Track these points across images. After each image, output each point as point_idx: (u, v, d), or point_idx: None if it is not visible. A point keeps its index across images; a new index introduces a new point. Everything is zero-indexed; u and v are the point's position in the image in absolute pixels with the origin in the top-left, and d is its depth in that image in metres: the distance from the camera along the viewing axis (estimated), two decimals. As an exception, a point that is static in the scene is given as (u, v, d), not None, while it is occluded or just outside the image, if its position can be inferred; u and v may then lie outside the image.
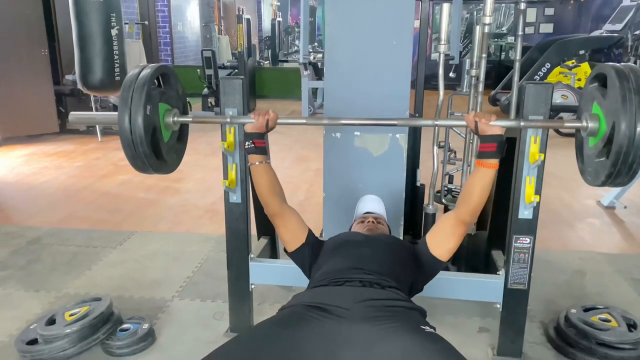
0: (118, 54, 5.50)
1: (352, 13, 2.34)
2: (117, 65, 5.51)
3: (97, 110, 6.29)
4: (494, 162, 1.63)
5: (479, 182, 1.64)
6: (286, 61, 11.35)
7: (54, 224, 3.68)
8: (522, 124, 1.73)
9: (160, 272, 2.94)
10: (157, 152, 1.74)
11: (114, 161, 5.42)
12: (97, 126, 6.29)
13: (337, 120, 1.90)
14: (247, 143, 1.80)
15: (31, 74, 6.08)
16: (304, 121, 1.86)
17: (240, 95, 2.02)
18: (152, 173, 1.80)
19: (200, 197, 4.24)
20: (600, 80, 1.57)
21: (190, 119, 1.90)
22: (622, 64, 1.50)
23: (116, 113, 1.67)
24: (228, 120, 1.92)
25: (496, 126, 1.62)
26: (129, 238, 3.41)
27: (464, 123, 1.73)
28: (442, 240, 1.72)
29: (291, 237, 1.83)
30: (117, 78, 5.58)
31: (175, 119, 1.83)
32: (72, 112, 1.89)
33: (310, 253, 1.82)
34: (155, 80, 1.79)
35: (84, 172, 5.04)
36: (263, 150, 1.81)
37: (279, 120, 1.85)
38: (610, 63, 1.52)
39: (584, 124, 1.56)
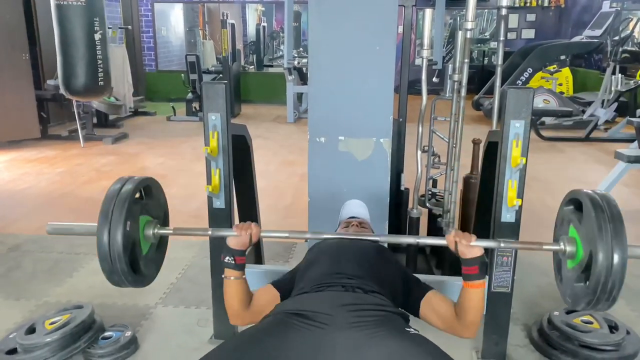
0: (101, 59, 5.45)
1: (335, 18, 2.35)
2: (100, 69, 5.46)
3: (79, 115, 6.22)
4: (480, 282, 1.61)
5: (470, 302, 1.61)
6: (271, 66, 11.34)
7: (35, 230, 3.62)
8: (501, 245, 1.67)
9: (144, 279, 2.90)
10: (134, 267, 1.67)
11: (97, 167, 5.36)
12: (79, 132, 6.22)
13: (319, 235, 1.79)
14: (227, 258, 1.70)
15: (12, 79, 5.99)
16: (287, 235, 1.78)
17: (223, 100, 2.01)
18: (127, 287, 1.71)
19: (184, 202, 4.21)
20: (575, 203, 1.58)
21: (171, 232, 1.77)
22: (596, 192, 1.50)
23: (95, 224, 1.61)
24: (209, 233, 1.80)
25: (476, 247, 1.60)
26: (111, 244, 3.36)
27: (444, 242, 1.66)
28: (433, 317, 1.69)
29: (270, 309, 1.66)
30: (101, 83, 5.53)
31: (155, 231, 1.73)
32: (49, 223, 1.77)
33: (290, 286, 1.76)
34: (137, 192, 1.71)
35: (66, 178, 4.97)
36: (242, 267, 1.72)
37: (261, 234, 1.74)
38: (585, 191, 1.52)
39: (562, 247, 1.56)
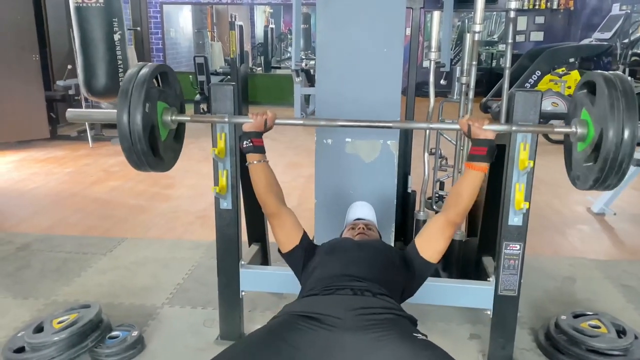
0: (121, 59, 5.49)
1: (343, 21, 2.35)
2: (120, 70, 5.50)
3: (88, 116, 6.26)
4: (484, 166, 1.67)
5: (468, 185, 1.68)
6: (279, 68, 11.36)
7: (44, 230, 3.65)
8: (513, 128, 1.77)
9: (151, 279, 2.92)
10: (154, 149, 1.77)
11: (105, 167, 5.39)
12: (88, 132, 6.26)
13: (333, 122, 1.94)
14: (245, 142, 1.81)
15: (22, 79, 6.04)
16: (301, 122, 1.91)
17: (231, 102, 2.01)
18: (148, 170, 1.82)
19: (191, 203, 4.23)
20: (589, 87, 1.61)
21: (188, 118, 1.93)
22: (610, 72, 1.54)
23: (113, 110, 1.69)
24: (226, 119, 1.94)
25: (488, 130, 1.66)
26: (119, 244, 3.39)
27: (457, 127, 1.77)
28: (432, 242, 1.74)
29: (286, 239, 1.84)
30: (122, 83, 5.56)
31: (173, 117, 1.86)
32: (69, 110, 1.91)
33: (303, 255, 1.82)
34: (154, 80, 1.82)
35: (75, 178, 5.01)
36: (261, 149, 1.83)
37: (276, 121, 1.86)
38: (599, 71, 1.57)
39: (573, 129, 1.61)
